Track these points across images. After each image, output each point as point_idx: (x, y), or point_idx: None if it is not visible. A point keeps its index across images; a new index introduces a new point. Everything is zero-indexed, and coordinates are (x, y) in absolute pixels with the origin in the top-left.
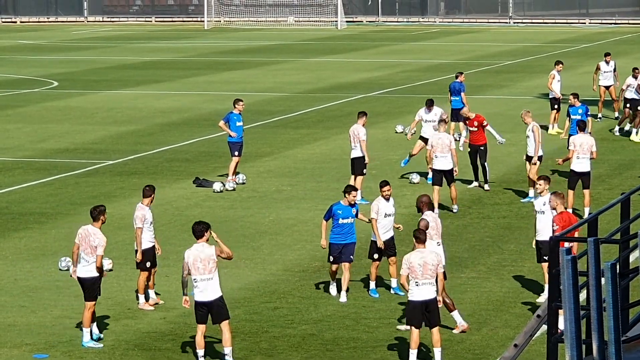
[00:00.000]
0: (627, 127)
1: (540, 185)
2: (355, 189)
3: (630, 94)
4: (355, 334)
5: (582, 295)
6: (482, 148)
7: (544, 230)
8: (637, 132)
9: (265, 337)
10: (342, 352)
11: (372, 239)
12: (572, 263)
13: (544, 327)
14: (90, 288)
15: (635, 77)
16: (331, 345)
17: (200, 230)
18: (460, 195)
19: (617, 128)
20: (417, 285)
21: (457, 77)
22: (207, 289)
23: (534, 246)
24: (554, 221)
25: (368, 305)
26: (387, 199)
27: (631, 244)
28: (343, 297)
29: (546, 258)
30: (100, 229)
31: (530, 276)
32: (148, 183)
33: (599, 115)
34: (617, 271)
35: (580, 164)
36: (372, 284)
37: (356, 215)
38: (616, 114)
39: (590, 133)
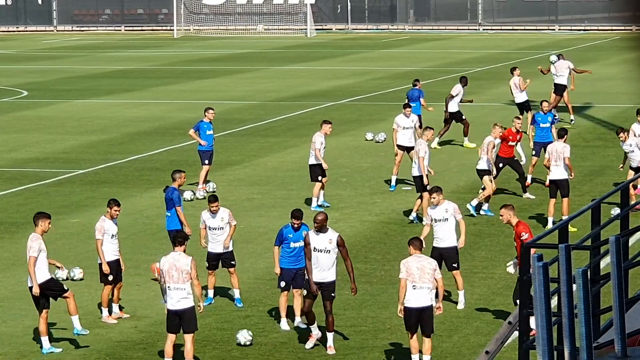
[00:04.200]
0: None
1: (435, 197)
2: (299, 216)
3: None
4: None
5: (554, 302)
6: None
7: (447, 237)
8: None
9: (237, 346)
10: None
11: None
12: (543, 270)
13: (516, 334)
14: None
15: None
16: (302, 354)
17: (179, 238)
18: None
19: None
20: (414, 288)
21: (414, 84)
22: (181, 299)
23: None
24: (521, 231)
25: (339, 313)
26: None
27: (602, 250)
28: (299, 323)
29: (455, 265)
30: (42, 236)
31: (502, 283)
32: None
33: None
34: (589, 278)
35: (555, 172)
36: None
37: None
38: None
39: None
